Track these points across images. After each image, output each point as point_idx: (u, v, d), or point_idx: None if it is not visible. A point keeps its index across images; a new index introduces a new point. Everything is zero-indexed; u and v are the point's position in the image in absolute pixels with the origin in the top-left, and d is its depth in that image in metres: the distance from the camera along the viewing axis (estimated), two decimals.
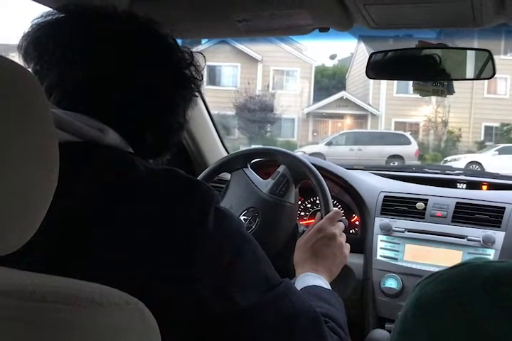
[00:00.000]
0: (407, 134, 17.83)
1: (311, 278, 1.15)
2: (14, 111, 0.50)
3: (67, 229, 0.65)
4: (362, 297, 1.68)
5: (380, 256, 1.68)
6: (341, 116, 22.26)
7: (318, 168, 1.60)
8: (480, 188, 1.88)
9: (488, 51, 1.46)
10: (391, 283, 1.63)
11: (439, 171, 2.09)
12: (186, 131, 1.93)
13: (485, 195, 1.73)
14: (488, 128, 20.77)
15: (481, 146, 19.10)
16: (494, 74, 1.46)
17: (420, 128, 21.17)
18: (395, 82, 20.32)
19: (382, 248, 1.69)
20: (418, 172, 2.12)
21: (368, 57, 1.54)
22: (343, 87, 23.66)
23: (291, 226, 1.55)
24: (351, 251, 1.71)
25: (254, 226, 1.48)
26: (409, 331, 0.52)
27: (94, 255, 0.65)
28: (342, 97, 21.79)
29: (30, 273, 0.53)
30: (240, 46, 20.65)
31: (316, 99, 22.43)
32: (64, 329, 0.48)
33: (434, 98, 19.55)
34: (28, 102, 0.52)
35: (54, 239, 0.64)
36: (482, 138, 20.69)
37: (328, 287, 1.15)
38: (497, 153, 15.23)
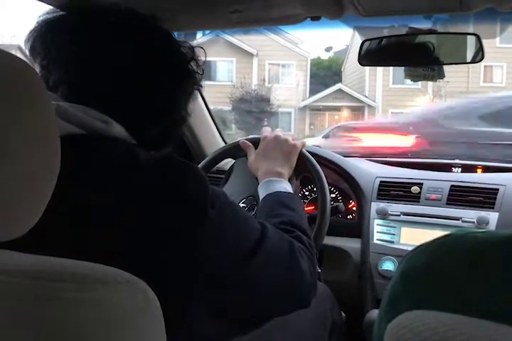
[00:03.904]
0: None
1: (271, 184, 1.24)
2: (13, 100, 0.51)
3: (72, 216, 0.68)
4: (360, 280, 1.71)
5: (377, 239, 1.71)
6: (338, 109, 22.17)
7: (316, 156, 1.63)
8: (475, 171, 1.91)
9: (477, 35, 1.48)
10: (388, 266, 1.66)
11: (434, 156, 2.11)
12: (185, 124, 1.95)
13: (479, 178, 1.75)
14: None
15: None
16: (483, 57, 1.48)
17: None
18: (391, 72, 20.27)
19: (378, 232, 1.72)
20: (413, 157, 2.15)
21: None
22: (339, 80, 23.61)
23: None
24: (349, 236, 1.75)
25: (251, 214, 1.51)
26: (396, 301, 0.54)
27: (96, 240, 0.67)
28: (338, 89, 21.73)
29: (36, 255, 0.55)
30: (234, 41, 20.55)
31: (313, 92, 22.36)
32: (70, 307, 0.49)
33: (430, 88, 19.49)
34: (26, 91, 0.53)
35: (58, 225, 0.66)
36: None
37: (289, 186, 1.24)
38: None
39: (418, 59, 1.58)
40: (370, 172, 1.85)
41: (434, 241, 0.56)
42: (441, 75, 1.61)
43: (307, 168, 1.51)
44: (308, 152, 1.57)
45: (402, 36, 1.58)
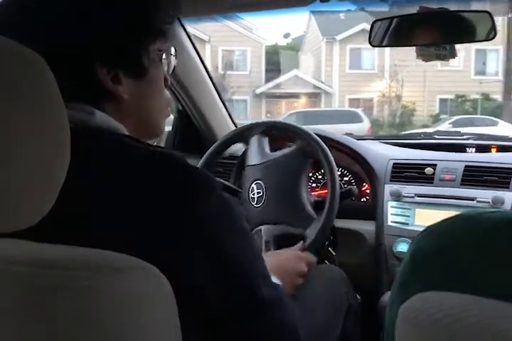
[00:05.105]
0: (359, 111, 17.72)
1: None
2: (26, 94, 0.52)
3: (76, 208, 0.64)
4: (375, 262, 1.72)
5: (391, 221, 1.71)
6: (295, 96, 22.28)
7: (328, 139, 1.61)
8: (489, 151, 1.90)
9: (488, 12, 1.47)
10: (403, 248, 1.66)
11: (447, 137, 2.12)
12: (194, 106, 1.91)
13: (494, 158, 1.75)
14: (443, 101, 21.06)
15: (436, 119, 19.27)
16: (495, 35, 1.47)
17: (374, 104, 21.38)
18: (348, 57, 20.45)
19: (392, 214, 1.72)
20: (427, 139, 2.16)
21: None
22: (296, 66, 23.68)
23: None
24: (363, 218, 1.75)
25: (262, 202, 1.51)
26: (407, 284, 0.54)
27: (97, 235, 0.63)
28: (295, 76, 21.79)
29: (49, 244, 0.56)
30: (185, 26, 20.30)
31: (269, 79, 22.38)
32: (85, 294, 0.51)
33: (387, 73, 19.74)
34: (37, 85, 0.54)
35: (62, 216, 0.62)
36: (437, 111, 20.94)
37: None
38: (451, 126, 15.39)
39: (430, 38, 1.57)
40: (382, 154, 1.85)
41: (442, 222, 0.55)
42: (452, 54, 1.60)
43: (316, 152, 1.49)
44: (320, 135, 1.55)
45: (412, 15, 1.56)
